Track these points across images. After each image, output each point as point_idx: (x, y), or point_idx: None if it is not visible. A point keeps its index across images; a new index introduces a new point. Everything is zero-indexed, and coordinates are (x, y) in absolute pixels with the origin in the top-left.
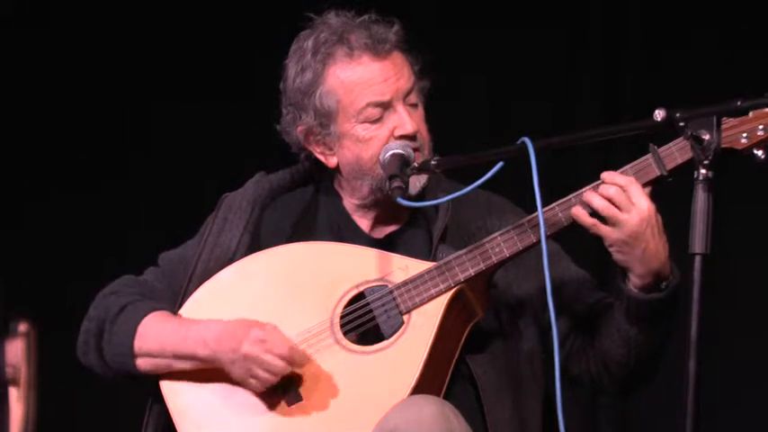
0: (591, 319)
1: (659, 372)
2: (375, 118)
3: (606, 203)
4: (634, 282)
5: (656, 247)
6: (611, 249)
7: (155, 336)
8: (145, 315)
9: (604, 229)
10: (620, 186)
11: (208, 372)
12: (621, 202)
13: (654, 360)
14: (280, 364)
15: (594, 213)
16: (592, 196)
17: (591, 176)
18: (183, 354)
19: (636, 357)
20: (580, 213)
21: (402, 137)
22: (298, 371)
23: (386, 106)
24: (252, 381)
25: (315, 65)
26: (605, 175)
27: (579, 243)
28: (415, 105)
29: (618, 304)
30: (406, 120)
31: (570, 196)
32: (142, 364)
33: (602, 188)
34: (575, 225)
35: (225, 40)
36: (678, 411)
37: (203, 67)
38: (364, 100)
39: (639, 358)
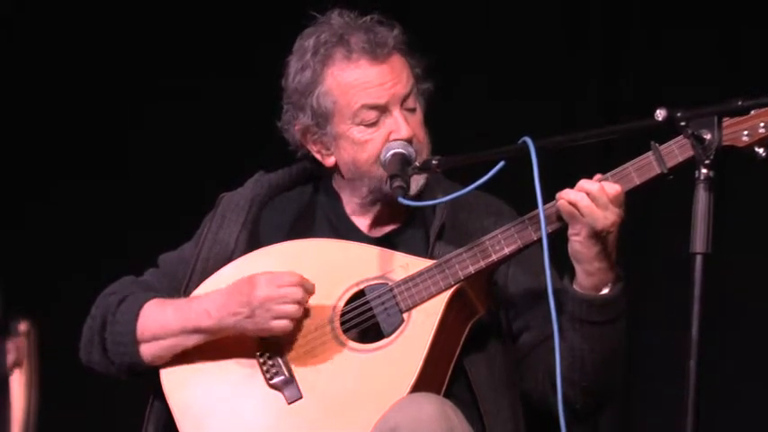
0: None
1: (608, 398)
2: (371, 121)
3: (587, 201)
4: (582, 281)
5: (610, 249)
6: (574, 238)
7: (156, 318)
8: (145, 302)
9: (576, 221)
10: (598, 188)
11: (209, 369)
12: (600, 198)
13: (600, 377)
14: (298, 291)
15: None
16: (572, 193)
17: (591, 176)
18: (187, 329)
19: (581, 370)
20: (563, 203)
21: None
22: (299, 367)
23: (382, 110)
24: (276, 323)
25: (314, 65)
26: (595, 178)
27: None
28: (412, 110)
29: (565, 310)
30: (402, 125)
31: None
32: (146, 350)
33: (585, 185)
34: None
35: (225, 39)
36: (678, 411)
37: (203, 66)
38: (359, 102)
39: (584, 371)
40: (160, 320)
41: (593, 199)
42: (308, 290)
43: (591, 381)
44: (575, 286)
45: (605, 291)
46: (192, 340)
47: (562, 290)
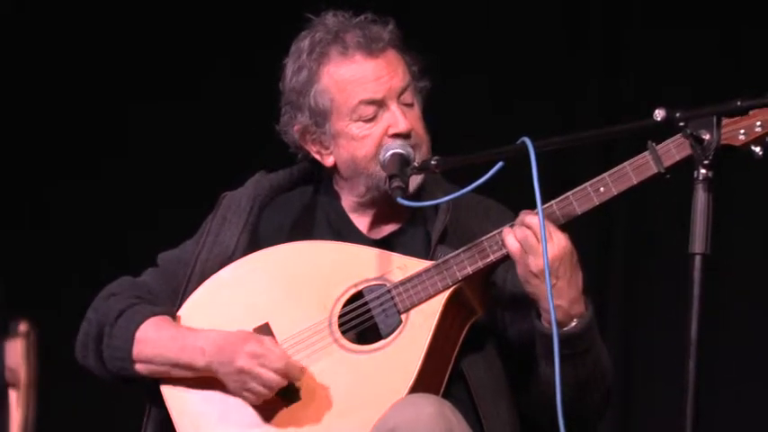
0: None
1: (587, 422)
2: (369, 116)
3: (527, 233)
4: (545, 317)
5: (567, 285)
6: (521, 279)
7: (153, 343)
8: (143, 320)
9: (522, 258)
10: (530, 223)
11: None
12: (539, 234)
13: (575, 406)
14: (275, 379)
15: None
16: (515, 229)
17: (591, 176)
18: (180, 363)
19: (548, 398)
20: (509, 242)
21: (396, 135)
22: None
23: (380, 104)
24: (246, 394)
25: (310, 64)
26: (525, 214)
27: (579, 248)
28: (410, 105)
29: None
30: (400, 118)
31: (568, 193)
32: (141, 368)
33: (526, 218)
34: (571, 223)
35: (226, 39)
36: (677, 411)
37: (204, 66)
38: (357, 98)
39: (551, 399)
40: (156, 346)
41: (536, 230)
42: (292, 377)
43: (572, 404)
44: (541, 321)
45: (571, 326)
46: (183, 373)
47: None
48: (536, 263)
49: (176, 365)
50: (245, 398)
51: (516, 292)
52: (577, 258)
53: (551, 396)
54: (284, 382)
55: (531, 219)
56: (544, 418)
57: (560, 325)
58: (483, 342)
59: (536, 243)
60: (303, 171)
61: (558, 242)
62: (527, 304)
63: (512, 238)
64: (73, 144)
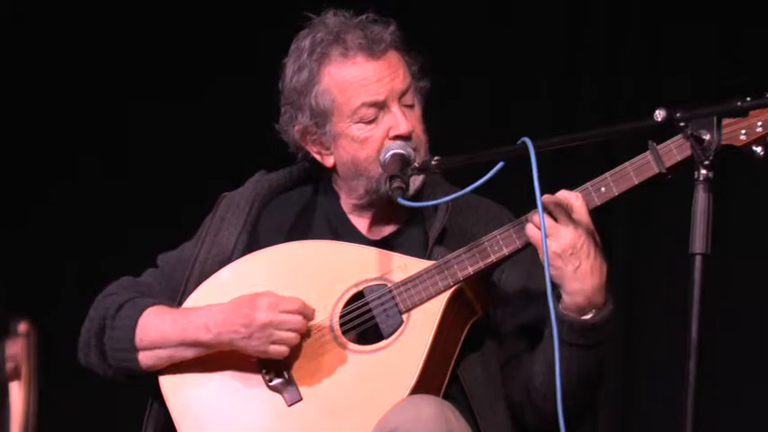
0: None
1: (584, 418)
2: (370, 118)
3: (547, 213)
4: (565, 301)
5: (590, 269)
6: (544, 261)
7: (155, 327)
8: (144, 309)
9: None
10: (566, 201)
11: (208, 371)
12: (562, 214)
13: (576, 397)
14: (298, 319)
15: None
16: (533, 215)
17: (591, 176)
18: (186, 341)
19: (541, 390)
20: (530, 229)
21: (397, 137)
22: (298, 369)
23: (381, 106)
24: (274, 347)
25: (311, 64)
26: (558, 193)
27: None
28: (411, 106)
29: (547, 324)
30: (401, 120)
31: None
32: (144, 357)
33: (549, 198)
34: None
35: (226, 39)
36: (678, 411)
37: (204, 66)
38: (359, 100)
39: (560, 388)
40: (159, 330)
41: (556, 213)
42: (309, 317)
43: (567, 398)
44: (560, 305)
45: (589, 315)
46: (189, 352)
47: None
48: (558, 243)
49: (181, 345)
50: (272, 353)
51: (514, 293)
52: (602, 248)
53: (545, 387)
54: (306, 324)
55: (558, 198)
56: (529, 414)
57: (578, 312)
58: (481, 342)
59: (555, 224)
60: (302, 171)
61: (582, 222)
62: (519, 306)
63: (531, 225)
64: (73, 144)
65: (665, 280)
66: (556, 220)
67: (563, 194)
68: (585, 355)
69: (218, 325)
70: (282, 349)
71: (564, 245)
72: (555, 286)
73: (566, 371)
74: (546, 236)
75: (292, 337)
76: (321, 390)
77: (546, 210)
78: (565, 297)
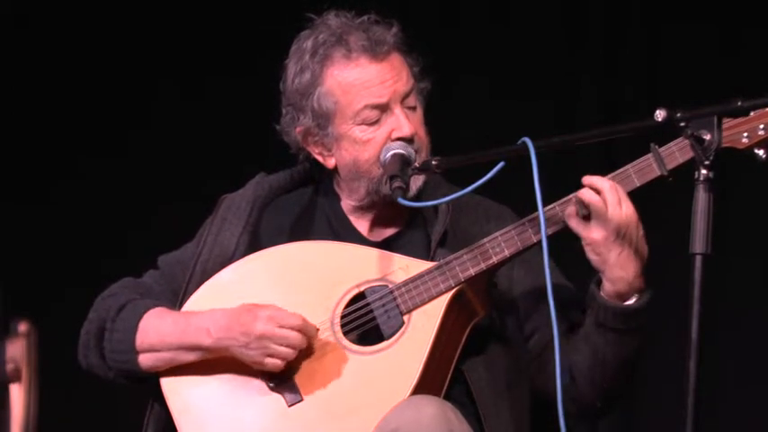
0: (567, 334)
1: (624, 397)
2: (373, 120)
3: (597, 197)
4: (606, 288)
5: (633, 255)
6: (587, 248)
7: (156, 330)
8: (145, 311)
9: (585, 226)
10: (610, 186)
11: (208, 372)
12: (610, 198)
13: (620, 379)
14: (297, 336)
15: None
16: (585, 191)
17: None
18: (186, 345)
19: (602, 371)
20: (570, 211)
21: (399, 139)
22: (299, 370)
23: (383, 108)
24: (269, 360)
25: (313, 66)
26: (596, 178)
27: (579, 248)
28: (413, 108)
29: (589, 312)
30: (404, 122)
31: (571, 195)
32: (144, 360)
33: (596, 181)
34: None
35: (227, 39)
36: (678, 411)
37: (205, 67)
38: (362, 102)
39: (605, 373)
40: (159, 332)
41: (606, 194)
42: (309, 334)
43: (611, 382)
44: (601, 292)
45: (631, 301)
46: (190, 356)
47: (564, 287)
48: (602, 229)
49: (181, 348)
50: (266, 366)
51: (525, 293)
52: (643, 233)
53: (593, 372)
54: (305, 341)
55: (603, 183)
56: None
57: (620, 297)
58: (483, 343)
59: (603, 209)
60: (303, 172)
61: (627, 208)
62: (537, 303)
63: (572, 208)
64: (73, 144)
65: (665, 280)
66: (605, 203)
67: (597, 183)
68: (626, 339)
69: (219, 330)
70: (278, 363)
71: (609, 230)
72: (595, 272)
73: (609, 356)
74: (596, 219)
75: (289, 352)
76: (322, 390)
77: (587, 196)
78: (606, 284)
